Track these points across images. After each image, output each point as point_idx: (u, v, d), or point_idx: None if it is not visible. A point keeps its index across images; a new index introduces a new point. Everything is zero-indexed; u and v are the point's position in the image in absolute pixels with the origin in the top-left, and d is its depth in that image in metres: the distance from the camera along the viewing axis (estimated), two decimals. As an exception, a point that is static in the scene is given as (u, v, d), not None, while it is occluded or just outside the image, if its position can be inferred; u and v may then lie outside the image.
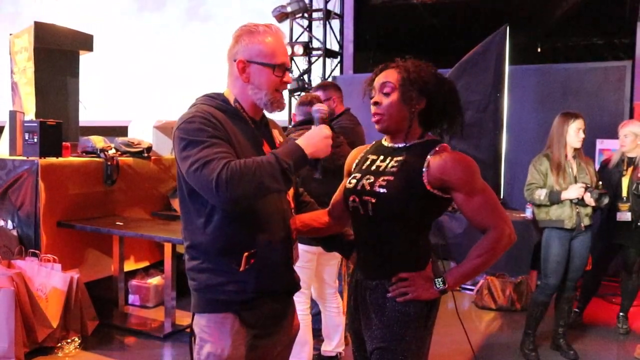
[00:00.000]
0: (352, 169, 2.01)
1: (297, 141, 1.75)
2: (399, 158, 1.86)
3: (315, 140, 1.76)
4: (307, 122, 3.32)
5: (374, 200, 1.82)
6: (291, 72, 1.76)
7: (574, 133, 3.64)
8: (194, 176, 1.65)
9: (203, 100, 1.85)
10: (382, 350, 1.83)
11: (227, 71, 1.89)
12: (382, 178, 1.84)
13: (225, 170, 1.60)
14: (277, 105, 1.86)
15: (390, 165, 1.86)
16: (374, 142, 2.05)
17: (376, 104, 1.88)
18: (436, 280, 1.82)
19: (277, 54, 1.82)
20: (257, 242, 1.79)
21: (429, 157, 1.81)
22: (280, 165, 1.66)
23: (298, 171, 1.74)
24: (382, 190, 1.81)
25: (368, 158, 1.97)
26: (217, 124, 1.73)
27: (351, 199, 1.90)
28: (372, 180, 1.86)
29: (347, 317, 2.08)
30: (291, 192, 1.97)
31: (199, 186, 1.67)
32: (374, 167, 1.91)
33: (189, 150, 1.67)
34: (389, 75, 1.87)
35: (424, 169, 1.79)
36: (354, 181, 1.92)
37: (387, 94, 1.86)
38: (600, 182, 3.77)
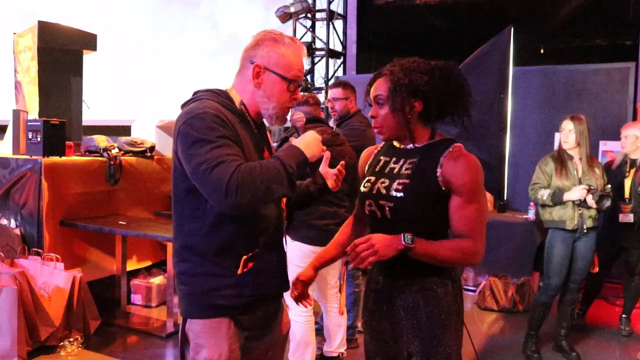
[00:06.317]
0: (365, 171, 2.00)
1: (295, 144, 1.71)
2: (413, 160, 1.84)
3: (312, 144, 1.74)
4: (311, 121, 3.32)
5: (391, 204, 1.80)
6: (302, 89, 1.73)
7: (563, 134, 3.75)
8: (203, 177, 1.58)
9: (209, 95, 1.76)
10: (423, 355, 1.81)
11: (238, 70, 1.84)
12: (397, 181, 1.82)
13: (236, 175, 1.55)
14: (281, 121, 1.83)
15: (404, 167, 1.84)
16: (384, 142, 2.01)
17: (373, 117, 1.88)
18: (405, 235, 1.69)
19: (294, 68, 1.80)
20: (255, 244, 1.76)
21: (442, 158, 1.79)
22: (286, 170, 1.63)
23: (300, 175, 1.70)
24: (398, 194, 1.79)
25: (380, 160, 1.95)
26: (228, 124, 1.66)
27: (367, 203, 1.88)
28: (387, 183, 1.84)
29: (363, 317, 2.03)
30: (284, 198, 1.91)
31: (206, 189, 1.60)
32: (387, 170, 1.89)
33: (197, 148, 1.59)
34: (380, 86, 1.86)
35: (437, 169, 1.78)
36: (368, 184, 1.90)
37: (380, 106, 1.86)
38: (609, 185, 3.77)
